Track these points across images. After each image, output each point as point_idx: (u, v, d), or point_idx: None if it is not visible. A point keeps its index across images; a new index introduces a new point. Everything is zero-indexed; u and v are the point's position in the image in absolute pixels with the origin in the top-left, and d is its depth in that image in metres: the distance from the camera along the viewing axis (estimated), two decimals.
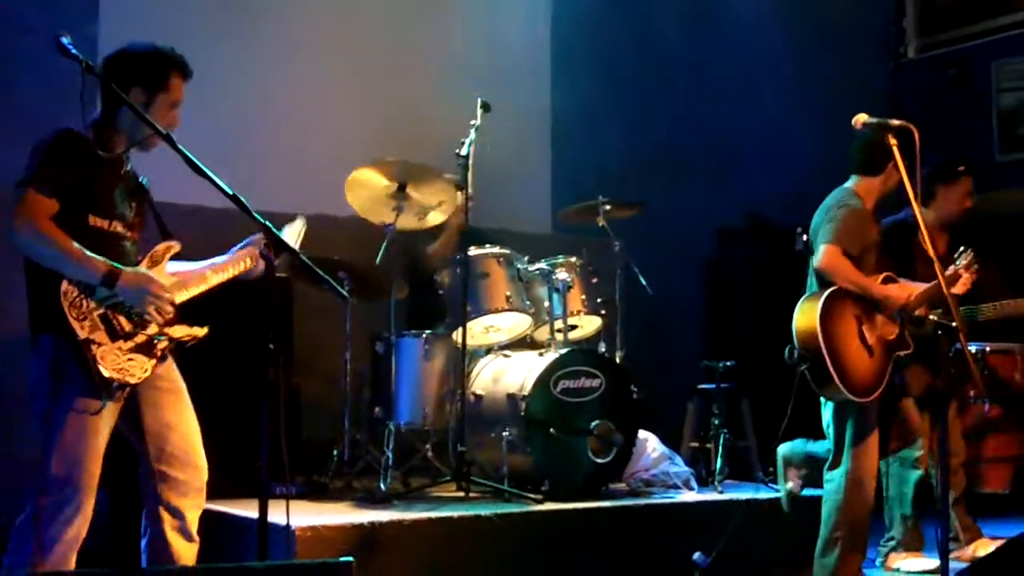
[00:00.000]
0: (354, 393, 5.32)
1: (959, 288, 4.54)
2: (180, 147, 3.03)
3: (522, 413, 5.00)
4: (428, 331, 5.36)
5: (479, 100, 5.24)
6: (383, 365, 5.32)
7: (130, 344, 3.27)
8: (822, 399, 4.52)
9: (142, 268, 3.35)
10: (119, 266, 3.23)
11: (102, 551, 4.57)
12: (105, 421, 3.27)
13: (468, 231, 5.25)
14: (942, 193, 5.04)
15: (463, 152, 5.11)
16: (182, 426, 3.49)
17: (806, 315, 4.39)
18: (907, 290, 4.47)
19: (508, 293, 5.35)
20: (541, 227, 7.55)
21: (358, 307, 5.35)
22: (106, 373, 3.17)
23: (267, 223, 3.01)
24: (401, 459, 5.20)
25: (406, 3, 7.14)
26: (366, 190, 5.29)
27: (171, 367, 3.50)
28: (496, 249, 5.48)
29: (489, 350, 5.62)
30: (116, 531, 4.62)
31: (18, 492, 3.37)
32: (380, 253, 5.35)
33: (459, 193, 5.34)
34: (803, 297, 4.48)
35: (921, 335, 4.76)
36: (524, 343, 5.69)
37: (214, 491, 4.51)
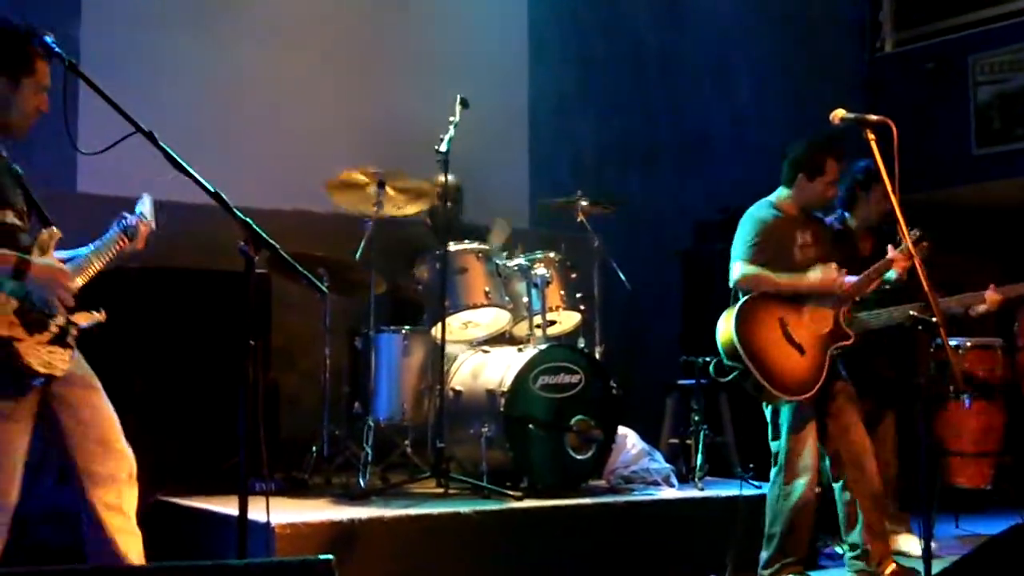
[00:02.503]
0: (333, 389, 5.30)
1: (899, 268, 4.55)
2: (161, 144, 3.00)
3: (501, 409, 4.99)
4: (407, 327, 5.34)
5: (458, 96, 5.22)
6: (362, 360, 5.30)
7: (47, 336, 3.19)
8: None
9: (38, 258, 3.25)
10: (28, 258, 3.16)
11: (78, 550, 4.54)
12: (24, 423, 3.20)
13: (453, 227, 5.24)
14: (862, 199, 5.19)
15: (442, 148, 5.10)
16: (97, 419, 3.37)
17: (724, 327, 4.52)
18: (830, 272, 4.54)
19: (487, 288, 5.34)
20: (519, 221, 7.53)
21: (337, 302, 5.33)
22: (36, 368, 3.12)
23: (247, 220, 2.98)
24: (380, 455, 5.18)
25: None
26: (347, 191, 5.29)
27: (77, 360, 3.37)
28: (475, 244, 5.47)
29: (468, 345, 5.61)
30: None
31: None
32: (359, 248, 5.33)
33: (437, 190, 5.35)
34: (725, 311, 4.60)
35: (883, 327, 4.80)
36: (503, 339, 5.68)
37: (191, 487, 4.50)
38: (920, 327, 3.48)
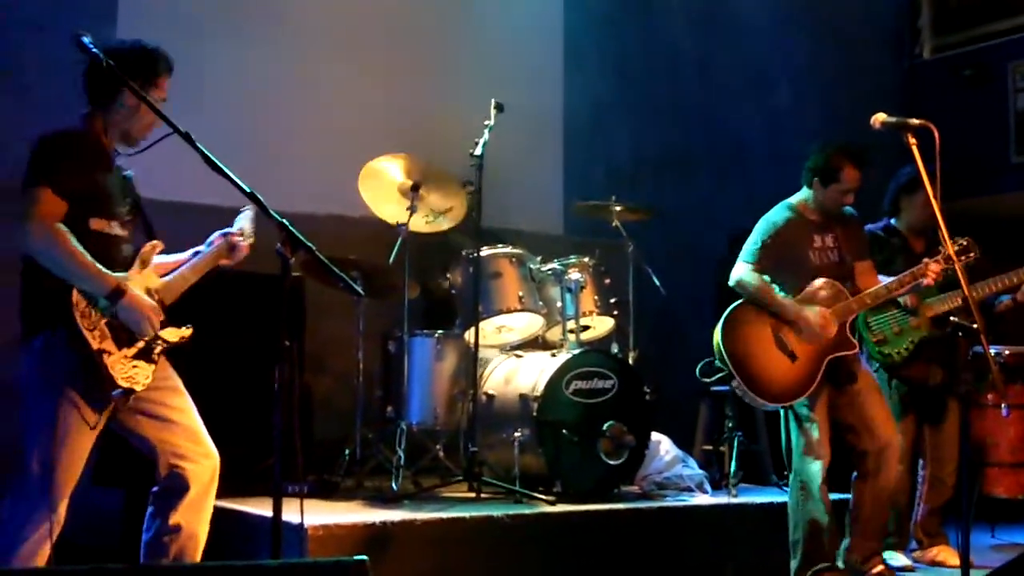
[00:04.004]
0: (366, 392, 5.30)
1: (929, 279, 4.51)
2: (198, 145, 3.02)
3: (534, 414, 4.98)
4: (440, 331, 5.34)
5: (493, 101, 5.23)
6: (395, 364, 5.30)
7: (133, 351, 3.31)
8: None
9: (134, 276, 3.38)
10: (125, 286, 3.28)
11: (112, 549, 4.57)
12: (94, 436, 3.30)
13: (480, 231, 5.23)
14: (906, 203, 5.18)
15: (477, 152, 5.10)
16: (184, 420, 3.49)
17: (716, 330, 4.57)
18: (820, 319, 4.48)
19: (521, 293, 5.34)
20: (553, 227, 7.53)
21: (370, 306, 5.34)
22: (120, 381, 3.22)
23: (284, 221, 2.99)
24: (412, 459, 5.18)
25: (419, 3, 7.13)
26: (379, 184, 5.28)
27: (165, 365, 3.51)
28: (509, 249, 5.46)
29: (501, 350, 5.60)
30: (128, 530, 4.61)
31: None
32: (393, 252, 5.34)
33: (467, 192, 5.34)
34: None
35: (935, 336, 4.77)
36: (536, 343, 5.67)
37: (225, 489, 4.51)
38: (960, 333, 3.43)
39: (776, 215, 4.68)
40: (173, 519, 3.43)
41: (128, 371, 3.27)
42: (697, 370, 4.73)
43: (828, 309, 4.51)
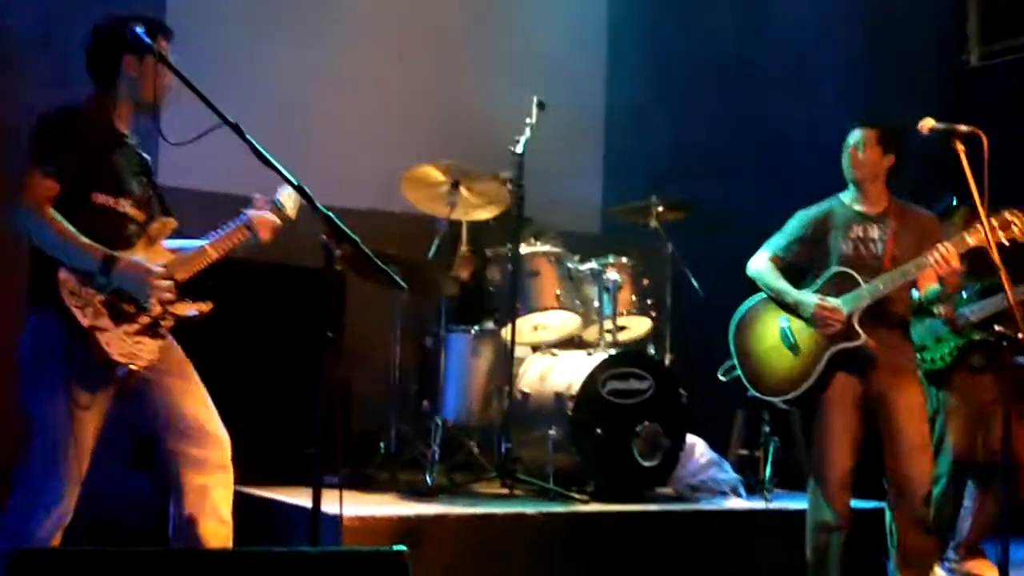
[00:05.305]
0: (402, 387, 5.34)
1: (927, 278, 4.33)
2: (248, 136, 3.02)
3: (569, 412, 4.98)
4: (477, 327, 5.35)
5: (535, 99, 5.24)
6: (431, 360, 5.33)
7: (135, 327, 3.23)
8: None
9: (138, 253, 3.30)
10: (115, 254, 3.19)
11: (148, 532, 4.62)
12: (97, 409, 3.22)
13: (520, 223, 5.24)
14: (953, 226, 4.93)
15: (518, 150, 5.11)
16: (191, 403, 3.37)
17: (731, 327, 4.57)
18: (818, 309, 4.27)
19: (558, 292, 5.34)
20: (591, 226, 7.52)
21: (408, 302, 5.36)
22: (116, 358, 3.14)
23: (329, 213, 3.00)
24: (446, 454, 5.21)
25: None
26: (421, 186, 5.31)
27: (170, 346, 3.40)
28: (547, 247, 5.47)
29: (536, 348, 5.61)
30: (161, 513, 4.65)
31: None
32: (432, 248, 5.36)
33: (509, 190, 5.35)
34: None
35: (978, 342, 4.69)
36: (572, 342, 5.67)
37: (263, 479, 4.55)
38: (1004, 343, 3.40)
39: (813, 207, 4.57)
40: (185, 510, 3.33)
41: (128, 347, 3.18)
42: (719, 372, 4.71)
43: (836, 298, 4.28)
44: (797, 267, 4.52)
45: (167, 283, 3.28)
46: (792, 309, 4.39)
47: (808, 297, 4.34)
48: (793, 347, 4.38)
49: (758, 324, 4.51)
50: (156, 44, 3.32)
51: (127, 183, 3.37)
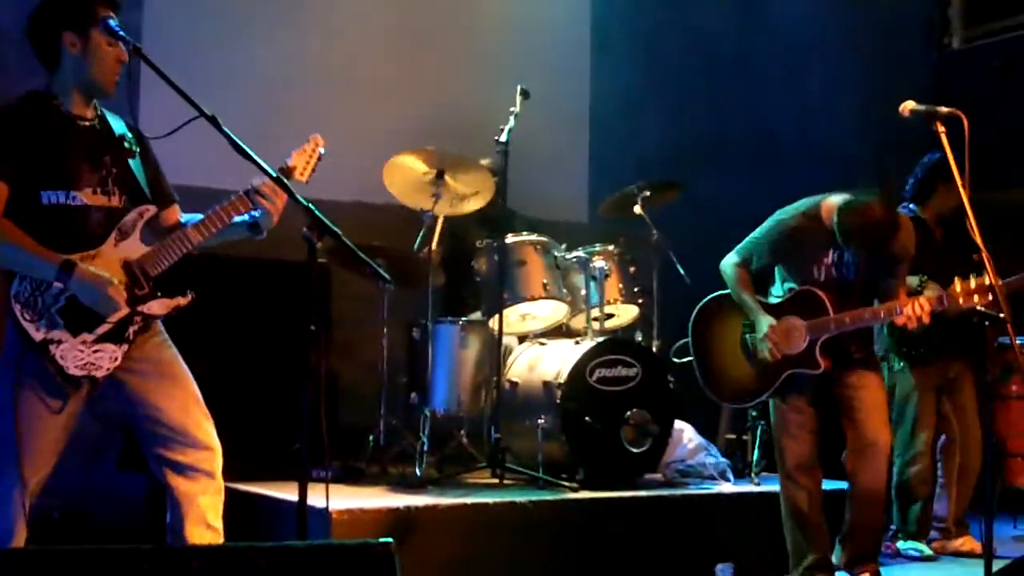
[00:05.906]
0: (390, 379, 5.33)
1: (901, 319, 4.13)
2: (225, 129, 3.00)
3: (557, 401, 4.99)
4: (464, 318, 5.35)
5: (519, 87, 5.23)
6: (419, 351, 5.32)
7: (94, 335, 3.12)
8: None
9: (108, 249, 3.16)
10: (73, 260, 3.08)
11: (140, 532, 4.62)
12: (61, 420, 3.14)
13: (504, 215, 5.23)
14: (942, 189, 5.02)
15: (502, 139, 5.10)
16: (173, 406, 3.26)
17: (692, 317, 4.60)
18: (773, 330, 4.27)
19: (545, 281, 5.34)
20: (578, 215, 7.52)
21: (395, 293, 5.35)
22: (72, 372, 3.08)
23: (311, 206, 2.99)
24: (436, 445, 5.21)
25: None
26: (404, 176, 5.29)
27: (154, 347, 3.29)
28: (533, 236, 5.47)
29: (524, 338, 5.61)
30: (153, 514, 4.66)
31: None
32: (418, 240, 5.35)
33: (494, 179, 5.34)
34: None
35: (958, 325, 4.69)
36: (560, 331, 5.68)
37: (251, 474, 4.54)
38: (987, 323, 3.41)
39: (790, 214, 4.45)
40: (173, 515, 3.28)
41: (86, 358, 3.09)
42: (672, 350, 4.75)
43: (802, 323, 4.26)
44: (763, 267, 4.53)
45: (121, 298, 3.14)
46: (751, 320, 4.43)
47: (763, 318, 4.33)
48: (751, 357, 4.42)
49: (722, 322, 4.53)
50: (94, 12, 3.14)
51: (82, 171, 3.19)
